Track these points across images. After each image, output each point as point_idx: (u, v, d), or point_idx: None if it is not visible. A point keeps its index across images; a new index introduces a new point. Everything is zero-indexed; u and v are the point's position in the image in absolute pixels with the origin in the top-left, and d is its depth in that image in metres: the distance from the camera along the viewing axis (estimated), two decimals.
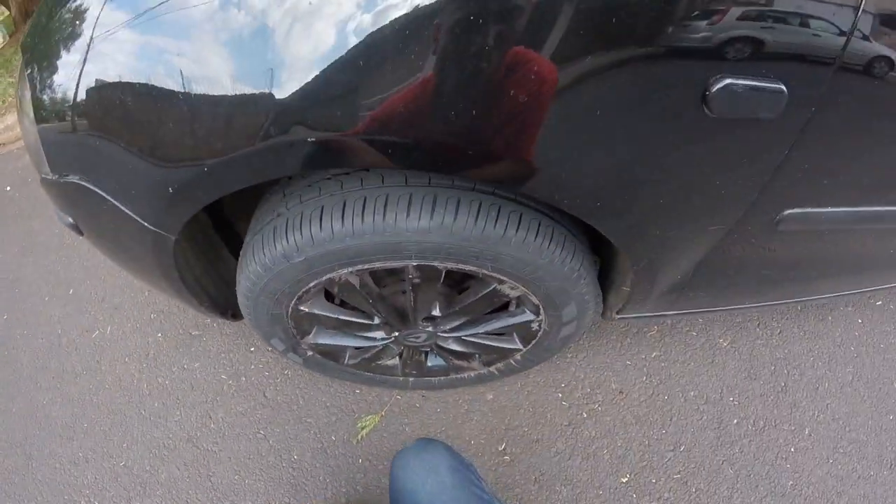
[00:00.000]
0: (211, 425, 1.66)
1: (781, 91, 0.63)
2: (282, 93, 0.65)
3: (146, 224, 0.87)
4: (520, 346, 1.22)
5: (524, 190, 0.76)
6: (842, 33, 0.61)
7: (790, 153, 0.73)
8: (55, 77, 0.81)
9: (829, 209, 0.91)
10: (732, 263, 1.03)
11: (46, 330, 2.27)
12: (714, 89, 0.61)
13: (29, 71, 0.84)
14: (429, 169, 0.76)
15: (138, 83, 0.72)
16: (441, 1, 0.57)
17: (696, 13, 0.57)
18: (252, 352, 1.75)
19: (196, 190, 0.78)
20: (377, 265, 0.89)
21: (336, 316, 1.07)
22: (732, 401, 1.43)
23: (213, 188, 0.78)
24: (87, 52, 0.75)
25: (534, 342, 1.19)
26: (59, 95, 0.81)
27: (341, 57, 0.62)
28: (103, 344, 2.06)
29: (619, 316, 1.20)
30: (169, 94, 0.70)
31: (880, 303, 1.62)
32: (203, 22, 0.67)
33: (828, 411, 1.42)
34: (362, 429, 1.49)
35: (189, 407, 1.73)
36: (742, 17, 0.58)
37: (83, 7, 0.77)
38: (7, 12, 3.90)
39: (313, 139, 0.67)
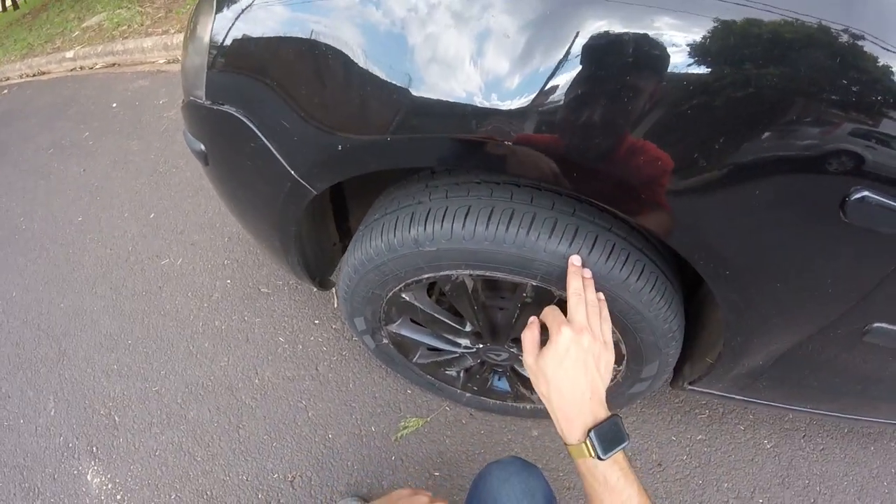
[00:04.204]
0: (255, 381, 1.68)
1: None
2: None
3: (293, 172, 0.90)
4: None
5: (668, 239, 0.78)
6: None
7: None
8: (244, 14, 0.84)
9: None
10: (809, 363, 1.03)
11: (117, 243, 2.35)
12: (853, 198, 0.64)
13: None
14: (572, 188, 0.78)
15: (327, 46, 0.76)
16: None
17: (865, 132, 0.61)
18: (316, 324, 1.77)
19: (365, 156, 0.81)
20: (499, 275, 0.90)
21: (433, 312, 1.09)
22: (761, 503, 1.41)
23: (386, 159, 0.81)
24: None
25: None
26: (244, 32, 0.85)
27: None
28: (170, 273, 2.11)
29: (690, 387, 1.20)
30: (352, 67, 0.75)
31: None
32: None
33: None
34: (404, 428, 1.50)
35: (238, 357, 1.75)
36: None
37: None
38: None
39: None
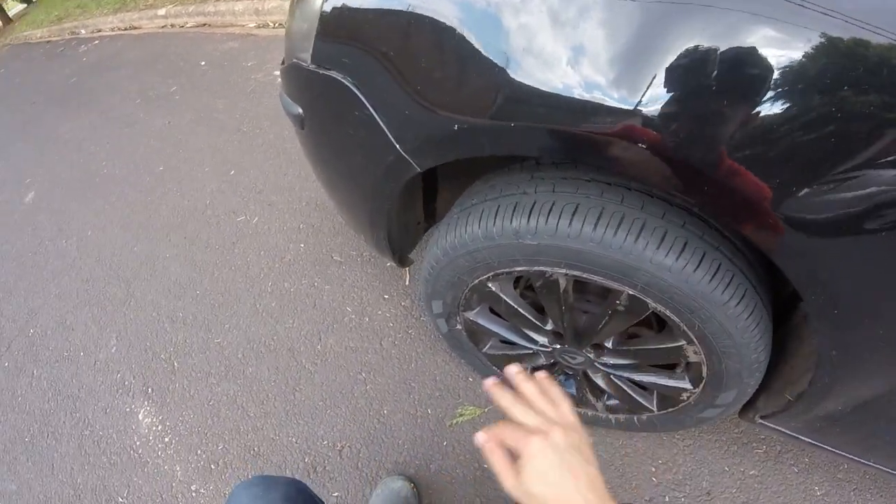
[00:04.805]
0: (318, 346, 1.71)
1: None
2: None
3: (398, 146, 0.90)
4: (653, 407, 1.19)
5: (786, 268, 0.74)
6: None
7: None
8: None
9: None
10: (885, 416, 0.97)
11: (195, 195, 2.43)
12: None
13: None
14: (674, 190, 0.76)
15: (453, 25, 0.75)
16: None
17: None
18: (385, 299, 1.79)
19: (482, 139, 0.80)
20: (596, 279, 0.89)
21: (517, 306, 1.07)
22: None
23: (502, 145, 0.80)
24: None
25: (670, 410, 1.17)
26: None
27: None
28: (245, 230, 2.17)
29: (761, 421, 1.15)
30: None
31: None
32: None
33: None
34: (460, 415, 1.49)
35: (304, 321, 1.79)
36: None
37: None
38: None
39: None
